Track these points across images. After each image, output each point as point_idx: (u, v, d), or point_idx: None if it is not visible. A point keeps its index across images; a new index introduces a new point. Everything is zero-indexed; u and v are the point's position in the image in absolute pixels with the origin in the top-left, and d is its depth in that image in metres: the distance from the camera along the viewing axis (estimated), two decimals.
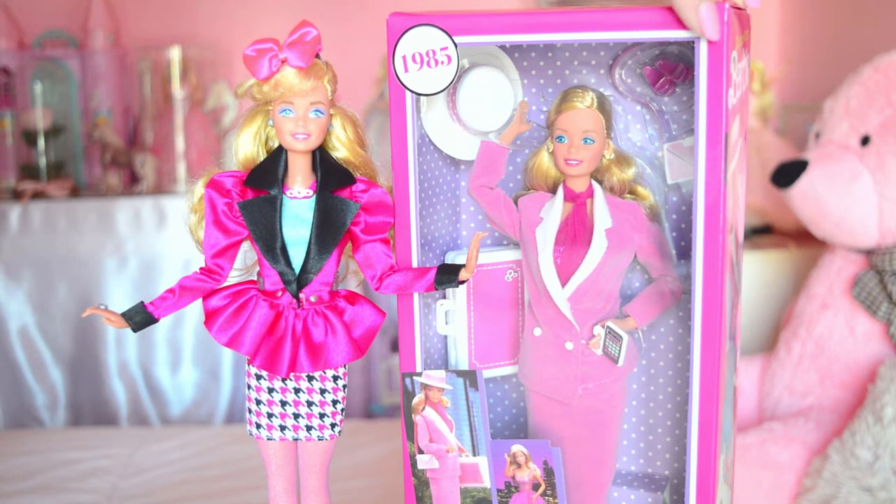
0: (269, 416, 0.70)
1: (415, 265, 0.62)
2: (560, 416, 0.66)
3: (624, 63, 0.64)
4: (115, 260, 2.03)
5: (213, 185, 0.66)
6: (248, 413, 0.73)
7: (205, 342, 2.08)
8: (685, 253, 0.65)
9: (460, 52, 0.59)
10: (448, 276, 0.61)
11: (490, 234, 0.70)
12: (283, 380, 0.68)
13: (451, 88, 0.64)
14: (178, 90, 2.16)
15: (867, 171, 1.32)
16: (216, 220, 0.66)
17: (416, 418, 0.64)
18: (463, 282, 0.61)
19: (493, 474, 0.64)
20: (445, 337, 0.68)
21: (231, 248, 0.67)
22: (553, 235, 0.64)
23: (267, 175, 0.65)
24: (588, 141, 0.63)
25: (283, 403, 0.68)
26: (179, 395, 2.09)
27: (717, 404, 0.59)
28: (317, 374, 0.66)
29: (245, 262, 0.71)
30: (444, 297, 0.68)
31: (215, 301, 0.67)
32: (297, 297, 0.65)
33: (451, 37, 0.59)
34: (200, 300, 0.69)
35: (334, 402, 0.67)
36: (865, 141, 1.33)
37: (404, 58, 0.59)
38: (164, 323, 2.06)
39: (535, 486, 0.64)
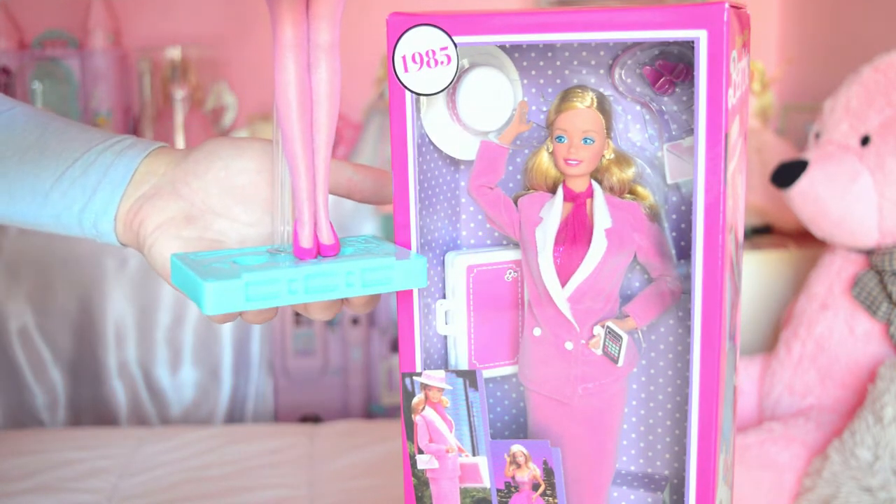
0: None
1: None
2: (560, 416, 0.66)
3: (624, 63, 0.64)
4: (115, 260, 2.03)
5: None
6: None
7: (205, 342, 2.08)
8: (685, 253, 0.65)
9: (460, 52, 0.59)
10: None
11: (490, 234, 0.70)
12: None
13: (451, 88, 0.64)
14: (178, 90, 2.16)
15: (867, 171, 1.32)
16: None
17: (416, 418, 0.64)
18: None
19: (493, 474, 0.64)
20: (445, 337, 0.68)
21: None
22: (553, 235, 0.64)
23: None
24: (588, 141, 0.63)
25: None
26: (179, 395, 2.09)
27: (717, 404, 0.59)
28: None
29: None
30: (444, 297, 0.68)
31: None
32: None
33: (451, 37, 0.59)
34: None
35: None
36: (865, 141, 1.33)
37: (404, 58, 0.59)
38: (164, 323, 2.06)
39: (535, 486, 0.64)
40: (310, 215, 0.58)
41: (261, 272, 0.55)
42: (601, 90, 0.64)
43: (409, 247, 0.62)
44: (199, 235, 0.64)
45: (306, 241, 0.58)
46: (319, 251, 0.59)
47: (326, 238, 0.59)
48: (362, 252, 0.59)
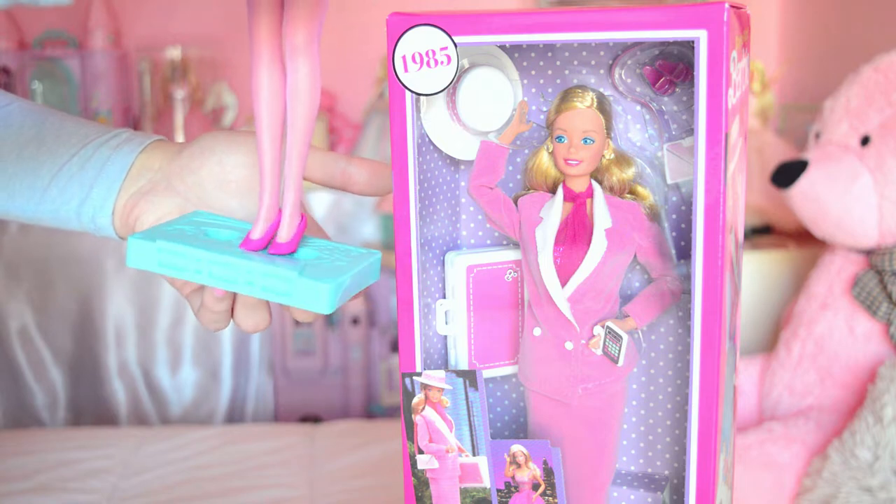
0: None
1: (414, 265, 0.63)
2: (560, 416, 0.66)
3: (624, 63, 0.64)
4: (115, 260, 2.03)
5: None
6: None
7: (205, 342, 2.08)
8: (685, 253, 0.65)
9: (460, 52, 0.59)
10: None
11: (490, 234, 0.70)
12: None
13: (451, 88, 0.64)
14: (178, 90, 2.16)
15: (867, 171, 1.32)
16: None
17: (416, 418, 0.64)
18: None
19: (493, 474, 0.64)
20: (445, 337, 0.68)
21: None
22: (553, 235, 0.64)
23: None
24: (588, 141, 0.63)
25: None
26: (179, 395, 2.09)
27: (717, 404, 0.59)
28: None
29: None
30: (444, 297, 0.68)
31: None
32: None
33: (451, 37, 0.59)
34: None
35: None
36: (865, 141, 1.33)
37: (404, 58, 0.59)
38: (164, 323, 2.06)
39: (535, 486, 0.64)
40: (267, 212, 0.59)
41: (176, 243, 0.57)
42: (601, 90, 0.64)
43: (408, 246, 0.62)
44: None
45: (256, 234, 0.60)
46: (271, 247, 0.60)
47: (283, 237, 0.60)
48: (311, 259, 0.60)
